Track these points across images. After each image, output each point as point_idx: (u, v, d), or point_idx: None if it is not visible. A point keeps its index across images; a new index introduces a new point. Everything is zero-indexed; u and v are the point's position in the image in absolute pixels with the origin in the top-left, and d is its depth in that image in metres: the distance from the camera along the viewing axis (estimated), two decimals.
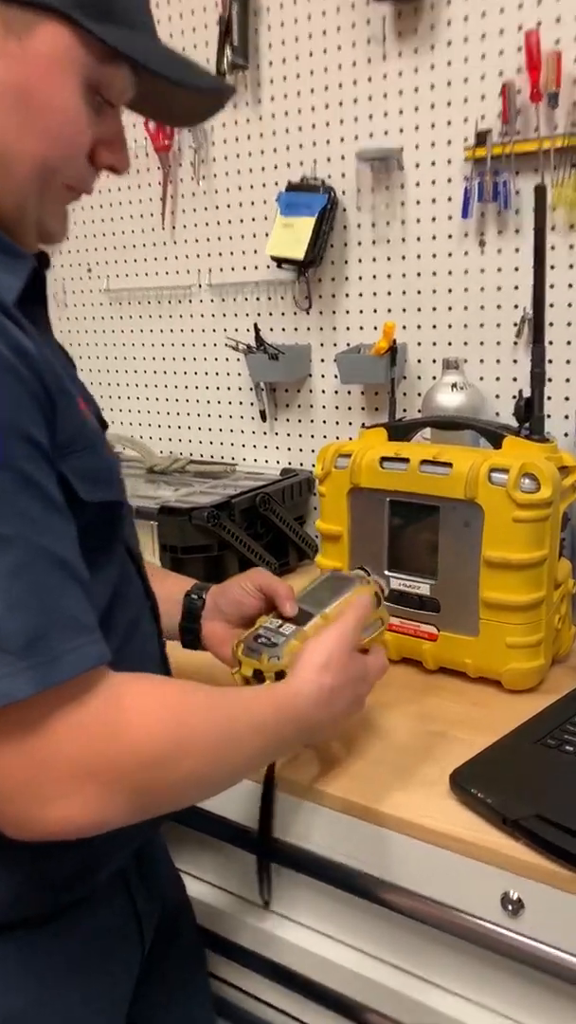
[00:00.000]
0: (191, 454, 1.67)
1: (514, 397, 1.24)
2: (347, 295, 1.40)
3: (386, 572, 1.02)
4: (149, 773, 0.57)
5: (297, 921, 0.88)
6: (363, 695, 0.79)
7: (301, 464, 1.52)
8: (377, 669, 0.81)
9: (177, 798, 0.62)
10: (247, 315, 1.52)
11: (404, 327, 1.34)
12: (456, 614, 0.98)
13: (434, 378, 1.33)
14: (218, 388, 1.60)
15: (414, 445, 1.05)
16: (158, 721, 0.58)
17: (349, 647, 0.77)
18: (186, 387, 1.65)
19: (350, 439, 1.29)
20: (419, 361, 1.34)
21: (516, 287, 1.24)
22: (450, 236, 1.28)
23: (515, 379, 1.26)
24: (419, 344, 1.34)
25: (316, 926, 0.86)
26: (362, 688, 0.78)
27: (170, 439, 1.71)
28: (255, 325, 1.46)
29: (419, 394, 1.35)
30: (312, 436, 1.50)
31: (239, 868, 0.90)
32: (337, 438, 1.47)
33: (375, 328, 1.37)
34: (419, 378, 1.35)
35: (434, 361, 1.33)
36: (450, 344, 1.31)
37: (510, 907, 0.70)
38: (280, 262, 1.39)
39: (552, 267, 1.18)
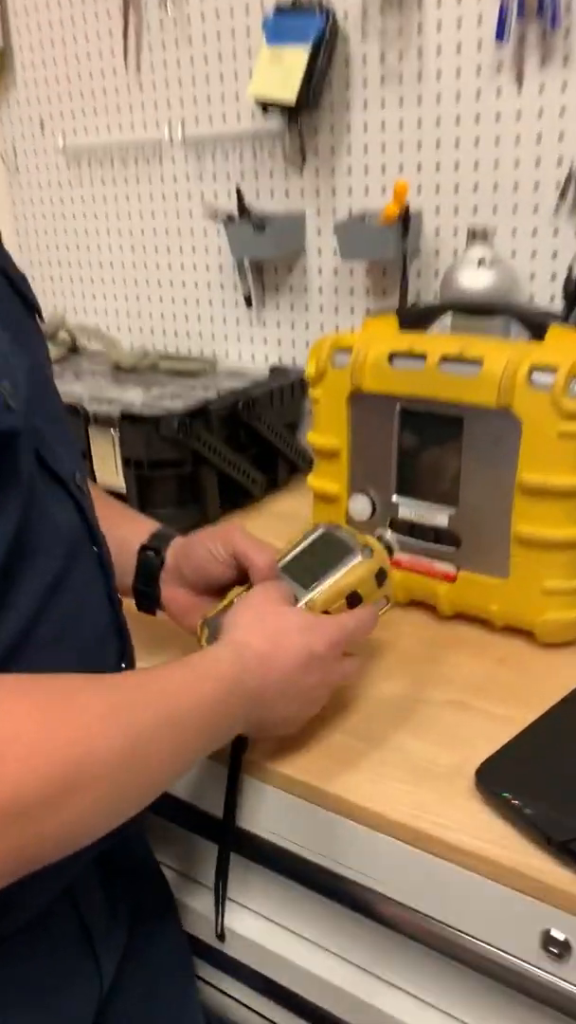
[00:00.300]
0: (164, 347, 1.47)
1: (554, 277, 1.05)
2: (349, 149, 1.17)
3: (394, 498, 0.85)
4: (32, 823, 0.42)
5: (275, 922, 0.74)
6: (320, 652, 0.63)
7: (294, 360, 1.33)
8: (351, 624, 0.66)
9: (74, 840, 0.47)
10: (228, 176, 1.29)
11: (419, 189, 1.13)
12: (481, 551, 0.81)
13: (456, 253, 1.12)
14: (195, 267, 1.39)
15: (432, 337, 0.86)
16: (42, 743, 0.43)
17: (282, 600, 0.65)
18: (157, 266, 1.43)
19: (352, 330, 1.10)
20: (437, 232, 1.13)
21: (561, 135, 1.02)
22: (479, 70, 1.05)
23: (556, 254, 1.05)
24: (438, 211, 1.12)
25: (299, 931, 0.73)
26: (316, 643, 0.63)
27: (140, 329, 1.50)
28: (237, 188, 1.24)
29: (436, 273, 1.15)
30: (306, 326, 1.30)
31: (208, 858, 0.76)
32: (336, 328, 1.27)
33: (384, 190, 1.16)
34: (437, 253, 1.14)
35: (456, 232, 1.12)
36: (476, 210, 1.09)
37: (554, 949, 0.55)
38: (266, 106, 1.15)
39: None
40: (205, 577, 0.73)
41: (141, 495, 1.10)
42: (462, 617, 0.86)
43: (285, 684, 0.61)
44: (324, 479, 0.90)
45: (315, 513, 0.93)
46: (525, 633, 0.82)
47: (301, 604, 0.67)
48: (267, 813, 0.69)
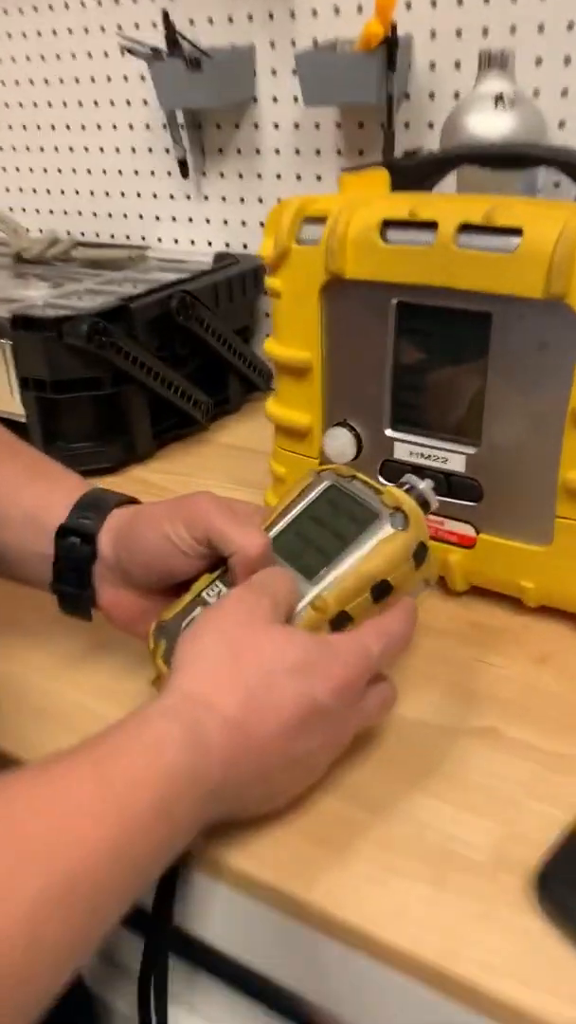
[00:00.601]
0: (81, 233, 1.21)
1: None
2: None
3: (389, 432, 0.62)
4: None
5: None
6: (327, 703, 0.42)
7: (245, 245, 1.07)
8: (377, 646, 0.44)
9: None
10: None
11: (409, 5, 0.86)
12: (512, 506, 0.60)
13: (457, 95, 0.86)
14: (114, 126, 1.11)
15: (444, 198, 0.62)
16: None
17: (271, 612, 0.43)
18: (67, 127, 1.15)
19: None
20: (432, 66, 0.87)
21: None
22: None
23: None
24: (433, 35, 0.86)
25: None
26: (322, 689, 0.42)
27: (49, 210, 1.23)
28: (164, 13, 0.96)
29: (431, 125, 0.89)
30: (260, 200, 1.04)
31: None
32: None
33: (360, 9, 0.89)
34: (432, 96, 0.88)
35: (458, 65, 0.86)
36: (487, 32, 0.84)
37: None
38: None
39: None
40: (161, 574, 0.51)
41: (45, 427, 0.86)
42: (480, 593, 0.64)
43: (268, 759, 0.41)
44: (289, 406, 0.67)
45: (276, 453, 0.70)
46: (569, 617, 0.61)
47: (304, 604, 0.46)
48: (218, 921, 0.48)
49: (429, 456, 0.61)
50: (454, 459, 0.60)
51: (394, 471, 0.62)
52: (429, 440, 0.61)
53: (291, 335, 0.64)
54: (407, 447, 0.62)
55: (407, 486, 0.50)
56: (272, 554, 0.48)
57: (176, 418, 0.93)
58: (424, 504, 0.50)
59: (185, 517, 0.49)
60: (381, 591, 0.47)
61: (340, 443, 0.64)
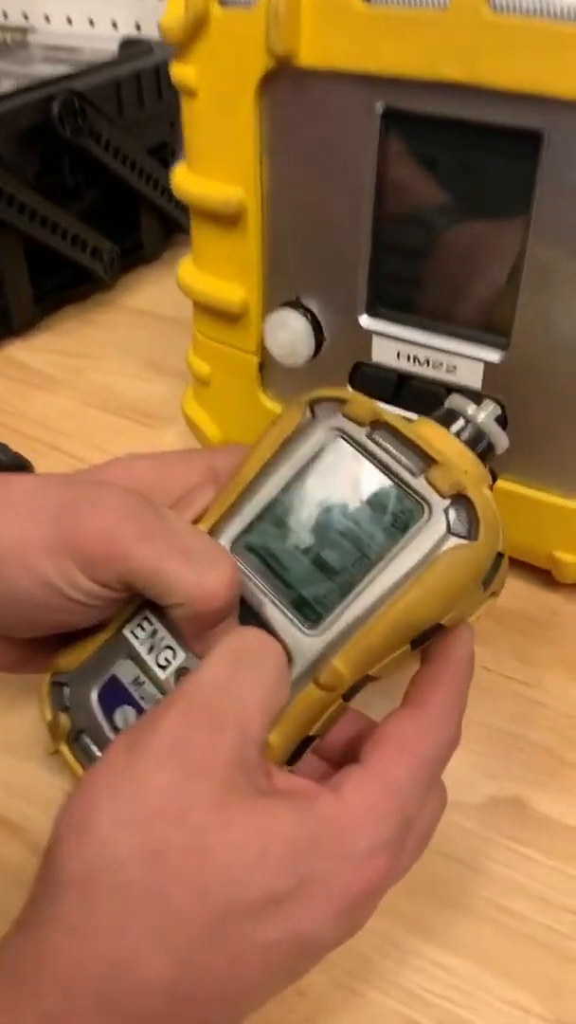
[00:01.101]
0: None
1: None
2: None
3: (364, 319, 0.42)
4: None
5: None
6: (326, 935, 0.24)
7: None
8: (429, 778, 0.27)
9: None
10: None
11: None
12: (548, 442, 0.42)
13: None
14: None
15: None
16: None
17: (229, 784, 0.23)
18: None
19: None
20: None
21: None
22: None
23: None
24: None
25: None
26: (309, 924, 0.23)
27: None
28: None
29: None
30: None
31: None
32: None
33: None
34: None
35: None
36: None
37: None
38: None
39: None
40: (44, 629, 0.32)
41: None
42: None
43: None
44: (211, 272, 0.46)
45: (197, 342, 0.50)
46: None
47: (300, 673, 0.28)
48: None
49: (427, 360, 0.41)
50: (466, 367, 0.40)
51: (373, 380, 0.43)
52: (428, 335, 0.41)
53: (213, 160, 0.43)
54: (393, 345, 0.42)
55: (458, 424, 0.31)
56: (239, 583, 0.29)
57: (67, 274, 0.71)
58: (486, 452, 0.31)
59: (78, 547, 0.28)
60: (426, 637, 0.28)
61: (289, 334, 0.44)
